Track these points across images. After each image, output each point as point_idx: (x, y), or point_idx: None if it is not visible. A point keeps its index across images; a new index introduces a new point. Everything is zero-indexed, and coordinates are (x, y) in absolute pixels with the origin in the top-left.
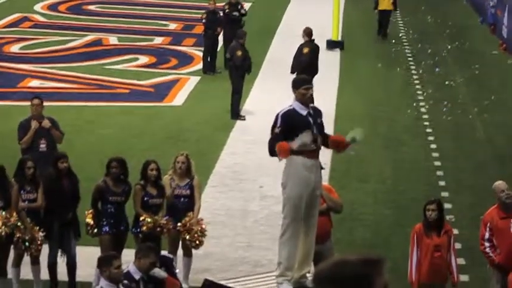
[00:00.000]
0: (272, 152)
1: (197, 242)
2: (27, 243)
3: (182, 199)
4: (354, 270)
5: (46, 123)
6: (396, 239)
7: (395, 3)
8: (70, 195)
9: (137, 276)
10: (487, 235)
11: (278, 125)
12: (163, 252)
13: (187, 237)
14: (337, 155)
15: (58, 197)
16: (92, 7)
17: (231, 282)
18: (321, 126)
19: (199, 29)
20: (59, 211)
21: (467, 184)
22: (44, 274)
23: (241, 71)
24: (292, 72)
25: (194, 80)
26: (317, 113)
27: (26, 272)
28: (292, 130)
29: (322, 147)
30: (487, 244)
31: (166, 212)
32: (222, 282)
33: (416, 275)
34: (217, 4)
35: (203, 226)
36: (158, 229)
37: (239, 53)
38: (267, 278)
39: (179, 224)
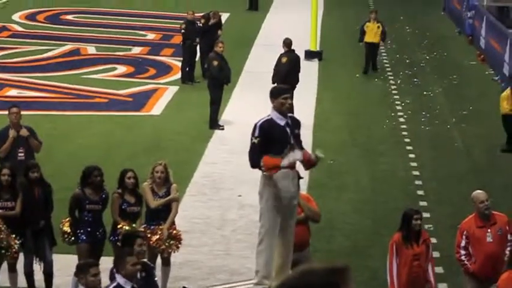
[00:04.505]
0: (254, 165)
1: (162, 247)
2: (3, 251)
3: (161, 207)
4: (319, 279)
5: (24, 132)
6: (375, 248)
7: (383, 35)
8: (42, 204)
9: (128, 286)
10: (463, 243)
11: (256, 135)
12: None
13: (150, 242)
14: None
15: (29, 206)
16: (69, 17)
17: None
18: (298, 137)
19: (177, 39)
20: (31, 219)
21: (445, 193)
22: (22, 281)
23: (218, 81)
24: (273, 82)
25: (172, 90)
26: (295, 123)
27: (4, 279)
28: (270, 140)
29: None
30: (462, 252)
31: (145, 220)
32: None
33: (397, 285)
34: (196, 14)
35: (173, 232)
36: None
37: (215, 63)
38: (245, 286)
39: (151, 242)
